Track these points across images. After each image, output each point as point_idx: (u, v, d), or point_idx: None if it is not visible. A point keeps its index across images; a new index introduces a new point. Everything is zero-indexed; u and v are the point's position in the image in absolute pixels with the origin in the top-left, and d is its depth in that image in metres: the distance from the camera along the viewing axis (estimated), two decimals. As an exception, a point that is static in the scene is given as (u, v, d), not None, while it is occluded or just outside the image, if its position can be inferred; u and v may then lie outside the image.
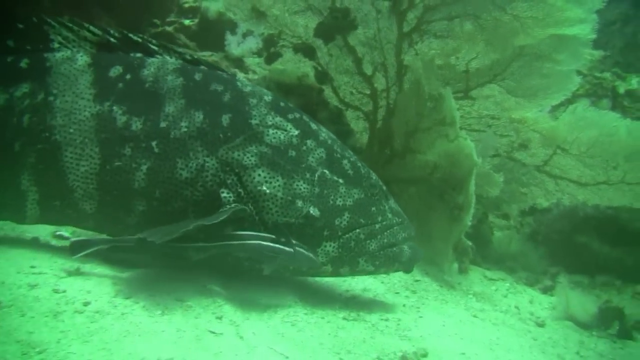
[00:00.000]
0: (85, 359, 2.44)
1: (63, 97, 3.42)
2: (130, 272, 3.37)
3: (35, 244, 3.71)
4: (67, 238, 4.01)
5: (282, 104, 3.67)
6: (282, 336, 3.09)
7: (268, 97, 3.64)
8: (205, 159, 3.38)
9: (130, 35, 3.64)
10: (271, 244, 3.30)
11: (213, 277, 3.51)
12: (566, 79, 5.42)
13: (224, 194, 3.35)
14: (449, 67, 5.42)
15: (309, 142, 3.58)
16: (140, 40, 3.64)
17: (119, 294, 3.06)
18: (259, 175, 3.40)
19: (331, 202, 3.52)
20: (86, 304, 2.87)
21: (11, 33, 3.57)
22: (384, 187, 3.84)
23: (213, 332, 2.91)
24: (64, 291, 2.94)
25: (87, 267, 3.32)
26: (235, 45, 6.36)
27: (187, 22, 7.16)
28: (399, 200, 3.91)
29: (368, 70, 5.54)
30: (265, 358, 2.81)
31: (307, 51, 5.55)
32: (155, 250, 3.38)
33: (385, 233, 3.67)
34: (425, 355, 3.25)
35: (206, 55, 6.40)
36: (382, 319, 3.63)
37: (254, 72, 6.25)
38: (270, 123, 3.52)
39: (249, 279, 3.61)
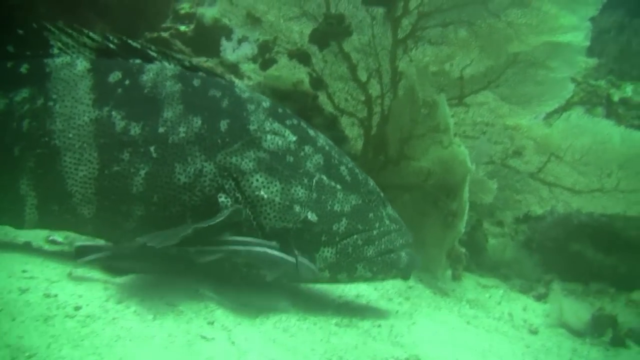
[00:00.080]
0: (75, 364, 2.43)
1: (62, 102, 3.42)
2: (122, 277, 3.35)
3: (27, 249, 3.69)
4: (60, 243, 4.00)
5: (280, 110, 3.69)
6: (274, 342, 3.08)
7: (266, 104, 3.66)
8: (203, 164, 3.39)
9: (129, 41, 3.66)
10: (276, 253, 3.33)
11: (205, 283, 3.50)
12: (560, 86, 5.43)
13: (222, 199, 3.36)
14: (444, 73, 5.42)
15: (306, 148, 3.59)
16: (139, 46, 3.66)
17: (110, 298, 3.04)
18: (257, 180, 3.41)
19: (329, 207, 3.53)
20: (77, 308, 2.85)
21: (11, 39, 3.57)
22: (382, 194, 3.85)
23: (205, 338, 2.90)
24: (55, 296, 2.92)
25: (79, 271, 3.30)
26: (230, 51, 6.37)
27: (182, 28, 7.16)
28: (393, 206, 3.92)
29: (363, 76, 5.55)
30: (256, 364, 2.81)
31: (302, 57, 5.56)
32: (159, 255, 3.38)
33: (382, 239, 3.67)
34: (417, 362, 3.25)
35: (201, 61, 6.40)
36: (374, 325, 3.62)
37: (249, 78, 6.24)
38: (268, 129, 3.53)
39: (242, 285, 3.61)
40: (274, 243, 3.36)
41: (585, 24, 5.13)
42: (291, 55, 5.58)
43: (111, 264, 3.40)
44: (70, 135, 3.38)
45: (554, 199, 5.66)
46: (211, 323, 3.07)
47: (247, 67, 6.38)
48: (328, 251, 3.51)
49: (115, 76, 3.50)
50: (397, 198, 5.10)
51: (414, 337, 3.59)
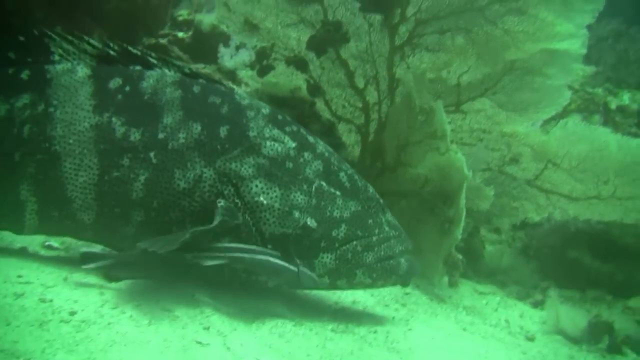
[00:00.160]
0: (70, 369, 2.42)
1: (63, 108, 3.45)
2: (118, 282, 3.34)
3: (23, 254, 3.69)
4: (56, 248, 4.01)
5: (279, 117, 3.71)
6: (270, 347, 3.07)
7: (266, 110, 3.67)
8: (202, 170, 3.41)
9: (130, 48, 3.68)
10: (278, 262, 3.35)
11: (202, 288, 3.50)
12: (557, 93, 5.44)
13: (221, 205, 3.37)
14: (441, 80, 5.43)
15: (306, 154, 3.61)
16: (139, 53, 3.68)
17: (106, 303, 3.04)
18: (256, 186, 3.43)
19: (328, 213, 3.54)
20: (72, 313, 2.85)
21: (12, 45, 3.60)
22: (381, 200, 3.86)
23: (200, 343, 2.89)
24: (51, 300, 2.92)
25: (74, 276, 3.30)
26: (228, 57, 6.37)
27: (180, 34, 7.15)
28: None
29: (360, 83, 5.55)
30: (252, 369, 2.81)
31: (299, 64, 5.56)
32: (162, 262, 3.37)
33: (382, 245, 3.68)
34: (413, 368, 3.25)
35: (199, 67, 6.41)
36: (370, 331, 3.61)
37: (247, 84, 6.24)
38: (267, 135, 3.55)
39: (238, 290, 3.60)
40: (275, 252, 3.37)
41: (582, 32, 5.14)
42: (289, 61, 5.58)
43: (110, 272, 3.38)
44: (71, 141, 3.40)
45: (551, 206, 5.65)
46: (207, 328, 3.07)
47: (244, 74, 6.38)
48: (327, 257, 3.52)
49: (115, 82, 3.53)
50: (394, 205, 5.09)
51: (410, 343, 3.58)
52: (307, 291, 4.00)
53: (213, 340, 2.96)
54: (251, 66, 6.33)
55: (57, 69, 3.54)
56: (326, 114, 5.70)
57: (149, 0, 6.44)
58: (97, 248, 3.55)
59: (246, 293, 3.61)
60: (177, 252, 3.17)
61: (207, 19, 6.95)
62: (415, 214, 5.04)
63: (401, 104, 5.22)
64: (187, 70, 3.71)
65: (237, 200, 3.41)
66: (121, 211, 3.41)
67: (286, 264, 3.37)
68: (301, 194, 3.50)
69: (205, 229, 3.23)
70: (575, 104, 8.25)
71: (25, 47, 3.59)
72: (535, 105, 5.49)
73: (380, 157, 5.42)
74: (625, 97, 8.44)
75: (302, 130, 3.74)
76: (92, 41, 3.65)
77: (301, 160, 3.58)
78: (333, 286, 3.63)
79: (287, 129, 3.65)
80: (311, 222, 3.47)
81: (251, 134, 3.53)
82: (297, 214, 3.46)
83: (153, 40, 6.68)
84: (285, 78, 5.68)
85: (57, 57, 3.60)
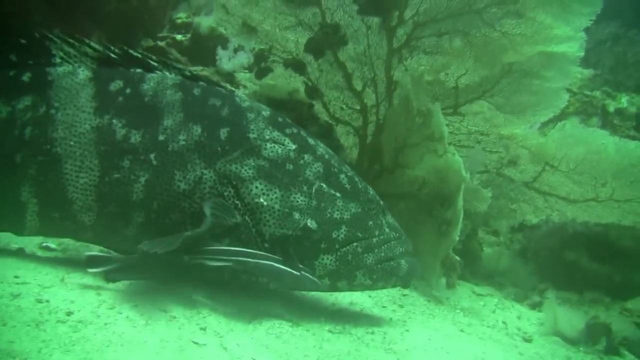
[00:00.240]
0: (66, 368, 2.43)
1: (64, 110, 3.47)
2: (115, 283, 3.34)
3: (20, 255, 3.70)
4: (53, 249, 4.01)
5: (280, 119, 3.73)
6: (267, 348, 3.08)
7: (266, 112, 3.70)
8: (203, 172, 3.42)
9: (131, 51, 3.71)
10: (281, 267, 3.36)
11: (198, 289, 3.51)
12: (555, 96, 5.45)
13: (209, 204, 3.38)
14: (439, 83, 5.44)
15: (306, 156, 3.62)
16: (140, 56, 3.70)
17: (102, 304, 3.05)
18: (257, 187, 3.45)
19: (328, 215, 3.55)
20: (69, 313, 2.86)
21: (14, 47, 3.62)
22: (381, 202, 3.87)
23: (196, 343, 2.90)
24: (47, 301, 2.93)
25: (71, 277, 3.31)
26: (226, 60, 6.39)
27: (179, 37, 7.19)
28: (389, 215, 3.93)
29: (358, 85, 5.56)
30: (248, 369, 2.81)
31: (297, 66, 5.56)
32: (166, 265, 3.39)
33: (382, 247, 3.69)
34: (410, 369, 3.25)
35: (197, 70, 6.42)
36: (367, 332, 3.62)
37: (245, 87, 6.26)
38: (268, 137, 3.57)
39: (235, 291, 3.61)
40: (278, 257, 3.39)
41: (580, 35, 5.14)
42: (287, 64, 5.58)
43: (110, 273, 3.36)
44: (72, 143, 3.42)
45: (549, 208, 5.66)
46: (203, 329, 3.07)
47: (242, 76, 6.40)
48: (327, 258, 3.53)
49: (116, 85, 3.55)
50: (392, 207, 5.08)
51: (407, 344, 3.58)
52: (304, 292, 4.01)
53: (210, 341, 2.96)
54: (249, 68, 6.37)
55: (59, 72, 3.57)
56: (324, 116, 5.71)
57: (147, 3, 6.46)
58: (74, 247, 3.56)
59: (243, 294, 3.61)
60: (179, 254, 3.22)
61: (205, 22, 6.98)
62: (413, 216, 5.04)
63: (399, 106, 5.23)
64: (187, 73, 3.73)
65: (237, 202, 3.43)
66: (121, 212, 3.43)
67: (289, 269, 3.38)
68: (301, 195, 3.51)
69: (197, 232, 3.25)
70: (573, 107, 8.27)
71: (27, 50, 3.62)
72: (533, 107, 5.50)
73: (378, 159, 5.42)
74: (624, 100, 8.46)
75: (303, 133, 3.76)
76: (93, 44, 3.69)
77: (301, 162, 3.59)
78: (333, 287, 3.63)
79: (288, 131, 3.67)
80: (311, 224, 3.48)
81: (251, 136, 3.54)
82: (297, 215, 3.47)
83: (151, 43, 6.71)
84: (283, 80, 5.69)
85: (58, 60, 3.62)
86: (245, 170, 3.46)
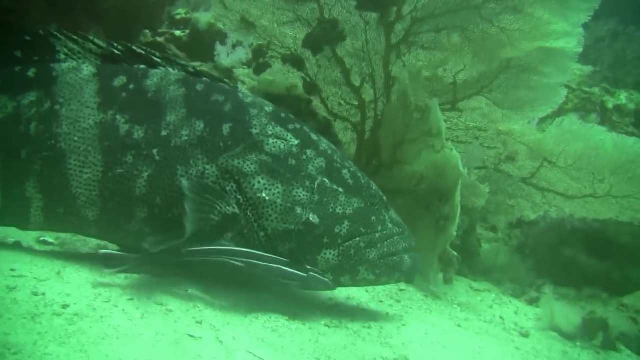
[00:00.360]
0: (61, 361, 2.43)
1: (69, 105, 3.49)
2: (111, 276, 3.35)
3: (17, 248, 3.70)
4: (50, 243, 4.02)
5: (282, 114, 3.74)
6: (263, 341, 3.08)
7: (269, 108, 3.71)
8: (205, 167, 3.44)
9: (134, 47, 3.73)
10: (289, 270, 3.39)
11: (195, 283, 3.52)
12: (553, 91, 5.44)
13: (185, 183, 3.39)
14: (437, 78, 5.43)
15: (308, 151, 3.63)
16: (143, 52, 3.72)
17: (98, 297, 3.05)
18: (259, 182, 3.46)
19: (331, 210, 3.56)
20: (65, 306, 2.86)
21: (19, 45, 3.64)
22: (384, 198, 3.87)
23: (192, 336, 2.90)
24: (43, 294, 2.93)
25: (68, 270, 3.31)
26: (225, 55, 6.38)
27: (178, 33, 7.18)
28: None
29: (356, 81, 5.56)
30: (244, 362, 2.81)
31: (295, 62, 5.56)
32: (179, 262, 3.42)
33: (385, 242, 3.70)
34: (406, 363, 3.25)
35: (196, 66, 6.42)
36: (364, 327, 3.62)
37: (243, 82, 6.25)
38: (270, 133, 3.57)
39: (232, 285, 3.62)
40: (284, 259, 3.41)
41: (578, 30, 5.14)
42: (285, 59, 5.58)
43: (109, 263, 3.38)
44: (76, 138, 3.44)
45: (547, 204, 5.66)
46: (199, 322, 3.08)
47: (241, 72, 6.39)
48: (330, 253, 3.54)
49: (120, 80, 3.57)
50: (390, 202, 5.10)
51: (403, 338, 3.59)
52: (301, 287, 4.02)
53: (205, 334, 2.96)
54: (248, 64, 6.35)
55: (63, 67, 3.59)
56: (322, 112, 5.71)
57: (145, -1, 6.47)
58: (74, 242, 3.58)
59: (240, 288, 3.62)
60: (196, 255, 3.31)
61: (204, 18, 6.97)
62: (411, 212, 5.03)
63: (397, 102, 5.23)
64: (191, 70, 3.74)
65: (239, 197, 3.45)
66: (125, 208, 3.45)
67: (297, 272, 3.41)
68: (303, 190, 3.52)
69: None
70: (572, 103, 8.27)
71: (31, 47, 3.64)
72: (531, 103, 5.50)
73: (376, 155, 5.43)
74: (622, 97, 8.46)
75: (305, 128, 3.76)
76: (97, 41, 3.71)
77: (304, 157, 3.60)
78: (337, 283, 3.63)
79: (290, 126, 3.67)
80: (314, 218, 3.49)
81: (254, 131, 3.55)
82: (299, 210, 3.48)
83: (150, 39, 6.70)
84: (282, 76, 5.69)
85: (62, 56, 3.64)
86: (248, 165, 3.47)
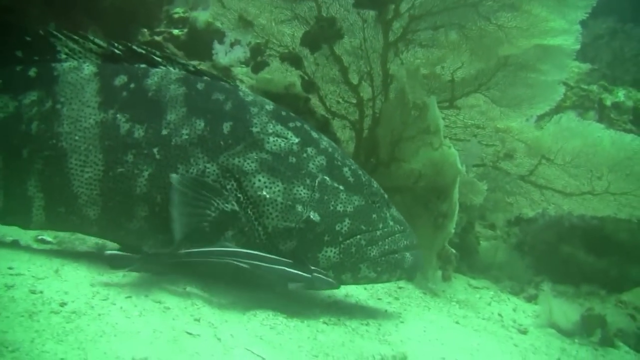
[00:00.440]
0: (59, 358, 2.42)
1: (70, 105, 3.51)
2: (109, 274, 3.36)
3: (15, 247, 3.71)
4: (48, 242, 4.03)
5: (283, 113, 3.75)
6: (261, 338, 3.08)
7: (269, 106, 3.71)
8: (205, 165, 3.44)
9: (135, 47, 3.74)
10: (293, 271, 3.40)
11: (193, 281, 3.52)
12: (551, 89, 5.44)
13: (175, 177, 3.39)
14: (435, 76, 5.44)
15: (309, 149, 3.63)
16: (144, 52, 3.73)
17: (96, 295, 3.05)
18: (259, 180, 3.46)
19: (331, 207, 3.56)
20: (63, 304, 2.86)
21: (19, 45, 3.65)
22: (385, 195, 3.87)
23: (190, 334, 2.90)
24: (41, 292, 2.93)
25: (66, 269, 3.31)
26: (223, 54, 6.37)
27: (176, 32, 7.17)
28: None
29: (354, 79, 5.56)
30: (242, 359, 2.81)
31: (293, 60, 5.56)
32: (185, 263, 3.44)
33: (386, 240, 3.70)
34: (404, 359, 3.24)
35: (194, 64, 6.41)
36: (362, 324, 3.62)
37: (241, 81, 6.24)
38: (271, 131, 3.58)
39: (231, 283, 3.62)
40: (288, 260, 3.42)
41: (575, 27, 5.14)
42: (283, 58, 5.58)
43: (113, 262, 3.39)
44: (77, 138, 3.46)
45: (545, 202, 5.66)
46: (197, 320, 3.08)
47: (239, 71, 6.39)
48: (331, 251, 3.54)
49: (120, 80, 3.58)
50: (388, 200, 5.12)
51: (401, 335, 3.59)
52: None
53: (203, 331, 2.96)
54: (246, 63, 6.35)
55: (64, 67, 3.60)
56: (321, 110, 5.72)
57: (143, -3, 6.46)
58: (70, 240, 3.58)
59: (238, 285, 3.62)
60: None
61: (202, 16, 6.96)
62: (409, 209, 5.03)
63: (395, 99, 5.24)
64: (191, 68, 3.75)
65: (239, 195, 3.45)
66: (125, 206, 3.46)
67: (301, 273, 3.42)
68: (304, 188, 3.52)
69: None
70: (570, 101, 8.27)
71: (32, 47, 3.65)
72: (529, 101, 5.50)
73: (374, 152, 5.44)
74: (621, 94, 8.47)
75: (306, 126, 3.77)
76: (97, 40, 3.72)
77: (304, 155, 3.60)
78: (338, 281, 3.62)
79: (291, 124, 3.68)
80: (314, 216, 3.49)
81: (254, 129, 3.55)
82: (299, 208, 3.48)
83: (148, 37, 6.69)
84: (280, 74, 5.69)
85: (63, 56, 3.66)
86: (248, 163, 3.47)
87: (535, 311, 4.83)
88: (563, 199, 5.60)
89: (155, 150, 3.44)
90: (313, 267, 3.46)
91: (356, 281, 3.71)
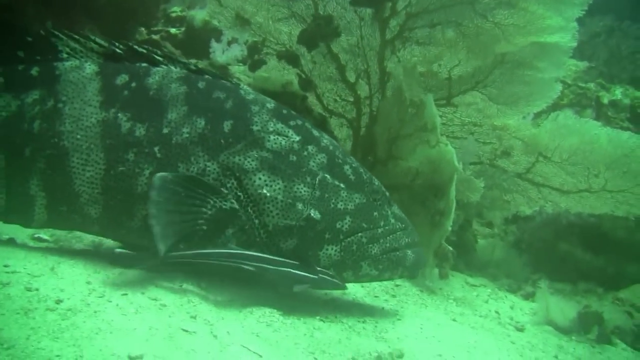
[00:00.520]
0: (54, 355, 2.42)
1: (71, 104, 3.51)
2: (105, 271, 3.36)
3: (11, 245, 3.71)
4: (45, 240, 4.02)
5: (284, 111, 3.75)
6: (257, 336, 3.08)
7: (270, 105, 3.71)
8: (206, 164, 3.45)
9: (136, 46, 3.74)
10: (299, 272, 3.40)
11: (190, 278, 3.52)
12: (548, 86, 5.45)
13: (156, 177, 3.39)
14: (432, 74, 5.44)
15: (310, 147, 3.63)
16: (145, 51, 3.73)
17: (92, 292, 3.04)
18: (260, 179, 3.47)
19: (332, 205, 3.56)
20: (58, 302, 2.86)
21: (21, 44, 3.66)
22: (387, 193, 3.87)
23: (186, 331, 2.90)
24: (37, 289, 2.93)
25: (62, 266, 3.30)
26: (220, 52, 6.38)
27: (173, 30, 7.19)
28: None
29: (351, 77, 5.56)
30: (238, 356, 2.80)
31: (290, 58, 5.56)
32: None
33: (387, 238, 3.70)
34: (401, 357, 3.25)
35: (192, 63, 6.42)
36: (359, 321, 3.62)
37: (239, 79, 6.25)
38: (271, 129, 3.58)
39: (227, 280, 3.61)
40: (293, 262, 3.42)
41: (572, 25, 5.14)
42: (280, 56, 5.58)
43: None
44: (79, 137, 3.46)
45: (543, 199, 5.67)
46: (194, 317, 3.07)
47: (236, 69, 6.40)
48: (332, 249, 3.54)
49: (122, 79, 3.59)
50: (386, 198, 5.12)
51: (398, 332, 3.59)
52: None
53: (200, 329, 2.96)
54: (243, 61, 6.35)
55: (66, 66, 3.61)
56: (318, 108, 5.71)
57: (140, -5, 6.46)
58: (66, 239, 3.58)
59: (235, 284, 3.62)
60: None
61: (199, 15, 6.98)
62: (407, 207, 5.01)
63: (392, 97, 5.24)
64: (192, 67, 3.75)
65: (239, 193, 3.45)
66: (127, 205, 3.46)
67: (307, 274, 3.42)
68: (304, 186, 3.52)
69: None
70: (567, 99, 8.29)
71: (33, 46, 3.66)
72: (526, 98, 5.50)
73: (372, 150, 5.43)
74: (618, 92, 8.48)
75: (307, 124, 3.77)
76: (98, 40, 3.72)
77: (305, 153, 3.60)
78: (340, 279, 3.63)
79: (292, 123, 3.68)
80: (315, 214, 3.49)
81: (255, 128, 3.56)
82: (300, 206, 3.48)
83: (146, 36, 6.70)
84: (277, 72, 5.69)
85: (65, 55, 3.66)
86: (249, 162, 3.48)
87: (533, 309, 4.83)
88: (560, 197, 5.61)
89: (156, 149, 3.44)
90: (318, 268, 3.46)
91: (358, 279, 3.71)
